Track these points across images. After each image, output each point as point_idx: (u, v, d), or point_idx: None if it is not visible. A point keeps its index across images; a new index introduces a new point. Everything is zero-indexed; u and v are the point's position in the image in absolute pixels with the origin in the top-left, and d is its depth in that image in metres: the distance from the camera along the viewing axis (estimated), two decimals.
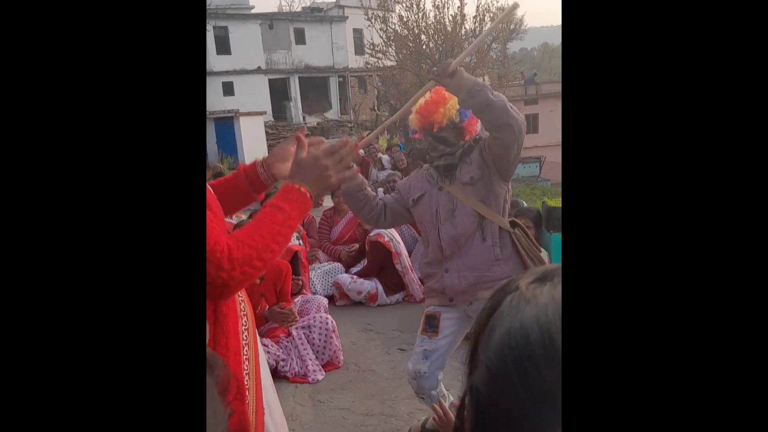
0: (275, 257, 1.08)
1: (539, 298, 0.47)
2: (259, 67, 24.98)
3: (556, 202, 4.27)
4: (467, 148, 2.21)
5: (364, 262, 4.50)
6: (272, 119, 24.19)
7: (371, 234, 4.32)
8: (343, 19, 27.08)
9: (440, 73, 1.89)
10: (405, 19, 16.94)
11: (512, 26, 19.40)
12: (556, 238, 3.68)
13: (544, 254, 3.47)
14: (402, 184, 2.41)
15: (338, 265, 4.59)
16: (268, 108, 24.21)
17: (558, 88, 26.72)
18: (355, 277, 4.32)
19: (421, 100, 2.19)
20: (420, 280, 4.19)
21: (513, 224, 2.21)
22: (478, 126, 2.21)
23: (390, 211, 2.33)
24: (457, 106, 2.14)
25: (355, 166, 1.25)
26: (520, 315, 0.46)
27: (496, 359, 0.46)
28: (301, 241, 4.55)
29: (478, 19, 17.04)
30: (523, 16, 19.85)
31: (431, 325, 2.23)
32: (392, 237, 4.29)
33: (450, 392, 2.38)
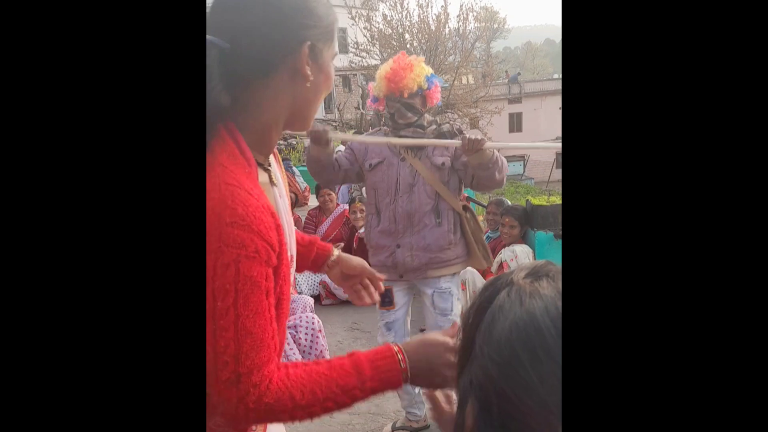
0: (303, 419, 0.81)
1: (544, 291, 0.48)
2: None
3: (540, 200, 4.31)
4: (444, 131, 2.23)
5: None
6: None
7: (360, 231, 4.32)
8: None
9: (470, 147, 2.01)
10: (389, 18, 16.95)
11: (495, 25, 19.52)
12: (540, 235, 3.71)
13: (529, 251, 3.50)
14: (357, 145, 2.36)
15: None
16: None
17: (541, 87, 26.93)
18: None
19: (386, 67, 2.21)
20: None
21: (464, 208, 2.30)
22: (438, 95, 2.27)
23: (342, 171, 2.34)
24: (425, 73, 2.18)
25: None
26: (525, 307, 0.47)
27: (503, 351, 0.46)
28: None
29: (461, 18, 17.10)
30: (506, 15, 19.97)
31: (386, 299, 2.31)
32: None
33: None
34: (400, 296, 2.34)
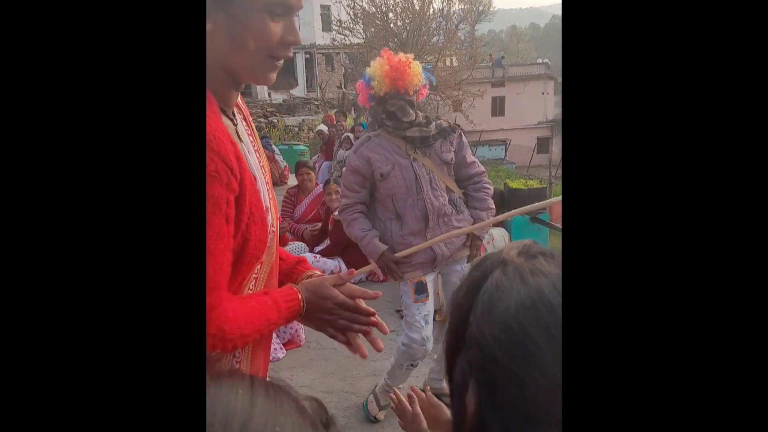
0: (245, 344, 0.93)
1: (545, 268, 0.47)
2: None
3: (518, 184, 4.34)
4: (444, 126, 2.27)
5: (328, 242, 4.48)
6: None
7: (335, 213, 4.30)
8: None
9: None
10: None
11: (480, 8, 19.40)
12: (516, 219, 3.74)
13: (505, 234, 3.53)
14: (359, 165, 2.24)
15: (301, 245, 4.56)
16: None
17: (525, 71, 26.93)
18: (318, 256, 4.31)
19: (382, 65, 2.15)
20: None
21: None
22: (426, 91, 2.29)
23: (363, 204, 2.33)
24: (420, 69, 2.19)
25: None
26: (528, 285, 0.46)
27: (510, 330, 0.44)
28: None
29: None
30: None
31: (422, 291, 2.30)
32: None
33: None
34: (430, 286, 2.35)
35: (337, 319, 1.02)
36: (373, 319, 1.07)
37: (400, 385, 2.40)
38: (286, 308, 0.96)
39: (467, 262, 2.40)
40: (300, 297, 0.98)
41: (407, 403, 0.91)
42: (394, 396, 0.97)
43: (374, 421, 2.45)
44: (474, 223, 2.29)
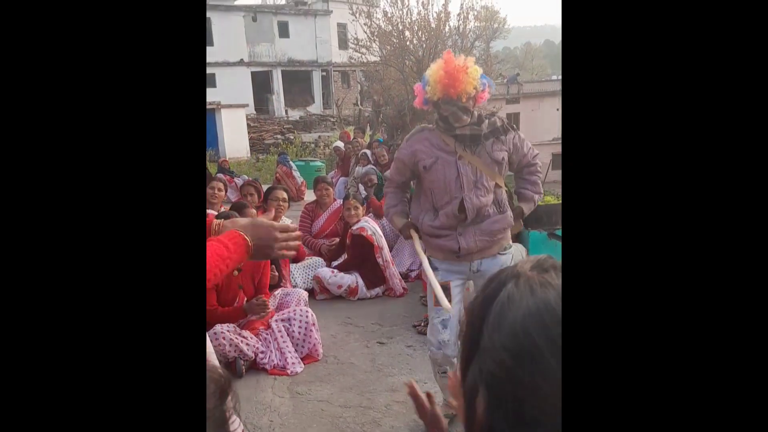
0: (209, 286, 1.12)
1: (554, 281, 0.49)
2: (241, 60, 24.73)
3: None
4: (498, 126, 2.25)
5: (345, 256, 4.51)
6: (254, 112, 23.94)
7: (354, 227, 4.33)
8: (328, 13, 26.92)
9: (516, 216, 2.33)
10: (389, 15, 16.82)
11: (496, 25, 19.47)
12: (534, 235, 3.74)
13: (522, 249, 3.52)
14: (404, 154, 2.33)
15: (319, 259, 4.59)
16: (250, 101, 23.97)
17: (539, 87, 26.88)
18: (335, 271, 4.33)
19: (438, 69, 2.14)
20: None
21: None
22: (487, 95, 2.27)
23: (406, 190, 2.43)
24: (478, 74, 2.16)
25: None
26: (538, 296, 0.48)
27: (517, 338, 0.47)
28: None
29: (462, 16, 17.02)
30: (507, 15, 19.95)
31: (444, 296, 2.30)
32: (375, 231, 4.31)
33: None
34: (455, 292, 2.33)
35: (282, 241, 1.23)
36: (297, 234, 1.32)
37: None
38: (232, 244, 1.14)
39: (509, 249, 2.38)
40: (240, 233, 1.18)
41: (426, 400, 0.92)
42: (408, 383, 0.98)
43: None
44: (517, 211, 2.34)
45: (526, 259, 0.55)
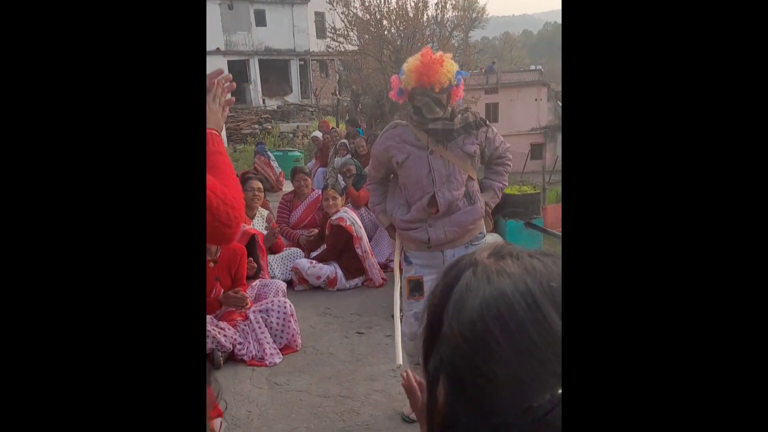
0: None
1: (510, 269, 0.50)
2: (218, 49, 24.34)
3: (512, 189, 4.37)
4: (470, 121, 2.28)
5: (324, 247, 4.50)
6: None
7: (332, 218, 4.32)
8: (305, 1, 26.63)
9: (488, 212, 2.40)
10: (367, 4, 16.76)
11: (474, 15, 19.51)
12: (510, 224, 3.78)
13: (499, 239, 3.56)
14: (378, 150, 2.39)
15: (297, 250, 4.57)
16: None
17: (518, 78, 27.05)
18: (314, 261, 4.32)
19: (414, 61, 2.18)
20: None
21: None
22: (462, 92, 2.31)
23: (387, 185, 2.47)
24: (454, 68, 2.19)
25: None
26: (492, 285, 0.49)
27: (475, 327, 0.48)
28: (269, 225, 4.51)
29: (440, 6, 17.03)
30: (485, 4, 19.98)
31: (417, 288, 2.34)
32: (354, 221, 4.30)
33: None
34: (429, 286, 2.36)
35: (218, 111, 1.30)
36: None
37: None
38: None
39: (480, 239, 2.41)
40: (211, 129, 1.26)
41: (417, 387, 0.93)
42: (404, 374, 0.99)
43: (409, 421, 2.44)
44: (483, 201, 2.36)
45: (485, 245, 0.56)
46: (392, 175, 2.43)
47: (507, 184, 2.51)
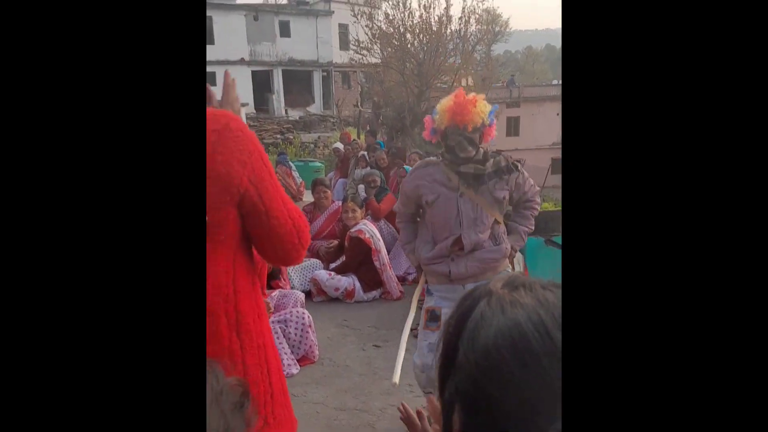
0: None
1: (523, 300, 0.51)
2: (242, 59, 24.72)
3: None
4: (502, 165, 2.30)
5: (343, 258, 4.51)
6: (254, 111, 23.95)
7: (352, 230, 4.34)
8: (329, 13, 26.95)
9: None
10: (391, 17, 16.91)
11: (497, 29, 19.52)
12: (530, 241, 3.74)
13: (519, 257, 3.53)
14: (408, 188, 2.42)
15: (316, 261, 4.59)
16: (250, 100, 23.96)
17: (540, 92, 26.95)
18: (332, 273, 4.33)
19: (448, 101, 2.23)
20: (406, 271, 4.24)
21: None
22: (495, 132, 2.33)
23: (413, 222, 2.49)
24: (487, 109, 2.22)
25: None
26: (507, 315, 0.50)
27: (489, 355, 0.49)
28: None
29: (463, 20, 17.09)
30: (508, 18, 19.98)
31: (434, 319, 2.34)
32: (373, 234, 4.31)
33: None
34: (444, 318, 2.36)
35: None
36: None
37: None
38: None
39: (507, 271, 2.42)
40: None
41: (416, 418, 0.95)
42: (401, 408, 1.01)
43: None
44: (509, 244, 2.36)
45: (499, 276, 0.58)
46: (421, 210, 2.44)
47: (533, 228, 2.50)
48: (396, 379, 2.11)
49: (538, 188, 2.50)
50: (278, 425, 1.19)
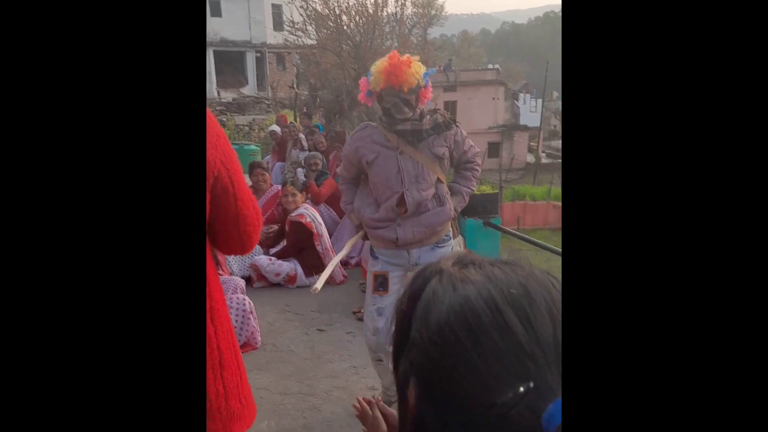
0: None
1: (473, 277, 0.53)
2: None
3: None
4: (440, 122, 2.31)
5: (283, 243, 4.46)
6: None
7: (292, 214, 4.29)
8: None
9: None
10: None
11: (433, 12, 19.64)
12: (470, 222, 3.84)
13: (460, 239, 3.61)
14: (348, 151, 2.42)
15: (256, 246, 4.52)
16: None
17: (476, 76, 27.39)
18: (273, 258, 4.28)
19: (383, 62, 2.21)
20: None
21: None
22: (431, 95, 2.34)
23: (355, 185, 2.48)
24: (422, 70, 2.22)
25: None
26: (458, 292, 0.52)
27: (442, 332, 0.50)
28: None
29: (399, 2, 17.08)
30: (444, 2, 20.14)
31: (381, 284, 2.37)
32: (314, 218, 4.28)
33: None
34: (393, 281, 2.39)
35: None
36: None
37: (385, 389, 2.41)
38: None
39: (447, 242, 2.45)
40: None
41: (368, 408, 0.97)
42: (357, 404, 1.02)
43: None
44: (452, 205, 2.40)
45: (449, 254, 0.59)
46: (363, 175, 2.44)
47: (475, 189, 2.55)
48: (318, 286, 2.20)
49: (478, 150, 2.52)
50: (249, 406, 1.27)
